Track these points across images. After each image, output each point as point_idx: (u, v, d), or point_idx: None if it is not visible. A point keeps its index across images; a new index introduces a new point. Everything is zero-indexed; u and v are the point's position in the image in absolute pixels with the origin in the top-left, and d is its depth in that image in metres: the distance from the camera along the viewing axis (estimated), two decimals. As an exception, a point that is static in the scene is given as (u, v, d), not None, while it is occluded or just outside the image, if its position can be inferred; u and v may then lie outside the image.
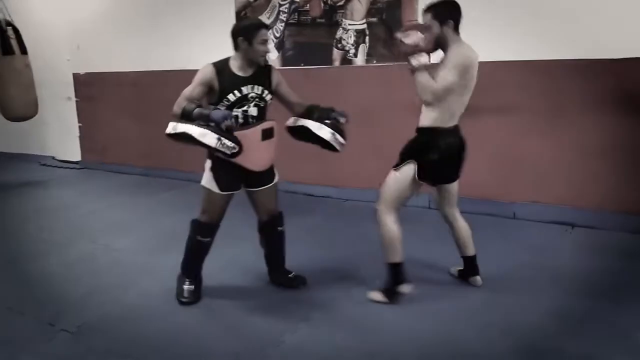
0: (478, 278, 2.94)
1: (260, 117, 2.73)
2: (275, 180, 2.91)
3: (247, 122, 2.68)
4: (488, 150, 4.20)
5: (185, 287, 2.86)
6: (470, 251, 2.93)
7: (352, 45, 4.62)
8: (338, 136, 2.69)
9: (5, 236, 4.14)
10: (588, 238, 3.70)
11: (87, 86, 6.66)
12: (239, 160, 2.58)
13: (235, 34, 2.63)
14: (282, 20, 4.93)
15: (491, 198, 4.22)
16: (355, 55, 4.62)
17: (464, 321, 2.57)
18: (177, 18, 5.59)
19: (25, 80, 5.78)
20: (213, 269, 3.13)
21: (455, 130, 2.68)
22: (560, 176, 3.97)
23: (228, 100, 2.62)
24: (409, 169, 2.66)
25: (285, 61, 5.00)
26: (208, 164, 2.75)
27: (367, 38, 4.54)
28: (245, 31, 2.60)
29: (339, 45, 4.68)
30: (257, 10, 5.06)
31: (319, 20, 4.75)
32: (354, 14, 4.56)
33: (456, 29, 2.59)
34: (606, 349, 2.29)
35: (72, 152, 7.00)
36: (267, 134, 2.71)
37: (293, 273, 3.06)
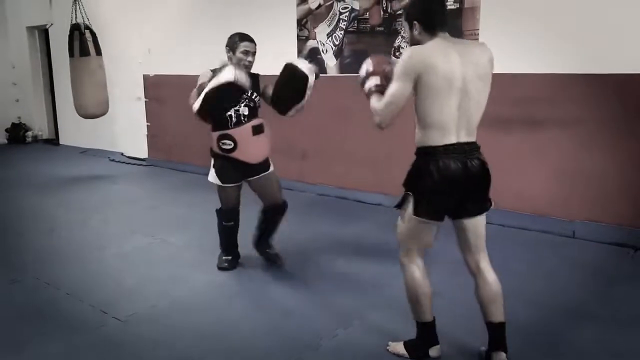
0: (503, 356, 2.16)
1: (251, 115, 3.10)
2: (271, 169, 3.25)
3: (240, 120, 3.06)
4: (548, 165, 4.05)
5: (224, 257, 3.36)
6: (497, 316, 2.18)
7: (411, 53, 4.59)
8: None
9: (72, 226, 4.42)
10: (652, 263, 3.49)
11: (156, 87, 7.00)
12: (236, 154, 3.06)
13: (226, 45, 3.08)
14: (341, 28, 4.98)
15: (549, 214, 4.07)
16: (413, 64, 4.59)
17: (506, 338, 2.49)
18: (240, 26, 5.74)
19: (99, 80, 6.20)
20: (260, 266, 3.23)
21: (453, 149, 2.07)
22: (625, 195, 3.76)
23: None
24: (409, 206, 2.16)
25: (342, 68, 5.05)
26: (212, 162, 3.20)
27: (425, 47, 4.50)
28: (231, 42, 3.06)
29: (397, 54, 4.67)
30: (318, 18, 5.14)
31: (378, 28, 4.76)
32: (413, 23, 4.53)
33: (428, 28, 2.09)
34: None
35: (140, 149, 7.37)
36: (258, 130, 3.10)
37: (275, 250, 3.41)
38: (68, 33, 6.15)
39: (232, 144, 3.04)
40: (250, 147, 3.07)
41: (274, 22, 5.35)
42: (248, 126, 3.06)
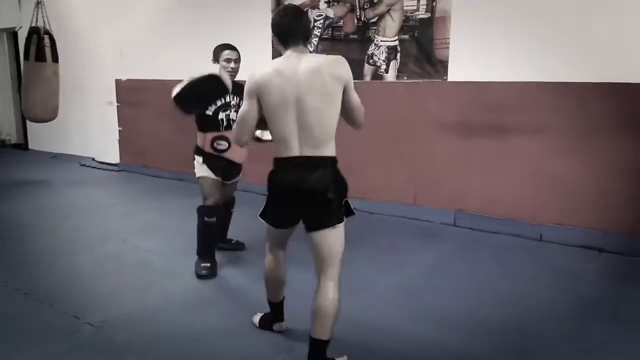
0: None
1: None
2: (241, 174, 3.61)
3: (230, 124, 3.29)
4: (516, 170, 4.17)
5: (202, 264, 3.33)
6: (315, 333, 2.16)
7: (384, 61, 4.67)
8: None
9: (42, 232, 4.33)
10: (615, 264, 3.61)
11: (128, 92, 6.93)
12: (228, 154, 3.34)
13: (212, 57, 3.31)
14: (316, 35, 5.04)
15: (518, 218, 4.18)
16: (386, 71, 4.67)
17: (478, 339, 2.56)
18: (215, 30, 5.77)
19: (51, 87, 6.08)
20: (233, 271, 3.22)
21: (292, 162, 2.12)
22: (589, 199, 3.90)
23: (216, 104, 3.28)
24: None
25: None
26: (199, 159, 3.37)
27: (398, 54, 4.59)
28: (215, 52, 3.31)
29: (371, 61, 4.75)
30: (292, 24, 5.17)
31: (352, 36, 4.83)
32: (386, 31, 4.62)
33: (281, 42, 2.18)
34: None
35: (112, 154, 7.27)
36: None
37: (234, 240, 3.82)
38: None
39: (227, 145, 3.30)
40: (239, 148, 3.15)
41: (249, 28, 5.37)
42: None
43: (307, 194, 2.10)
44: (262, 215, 2.29)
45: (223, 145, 3.32)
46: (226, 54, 3.27)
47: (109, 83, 7.07)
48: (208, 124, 3.33)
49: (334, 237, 2.13)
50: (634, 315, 2.83)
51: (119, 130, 7.14)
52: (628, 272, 3.48)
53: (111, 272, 3.44)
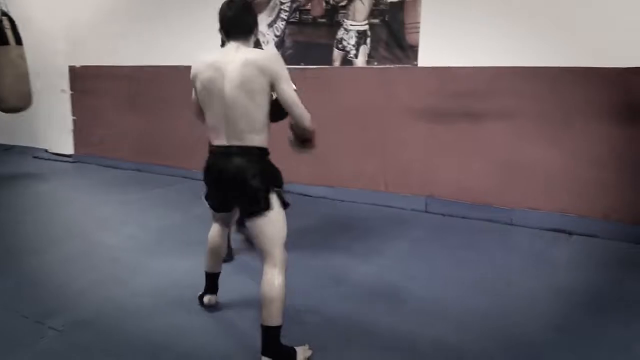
0: None
1: None
2: None
3: None
4: (488, 155, 4.18)
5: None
6: (262, 319, 2.17)
7: (353, 46, 4.57)
8: None
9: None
10: (587, 247, 3.67)
11: (83, 79, 6.59)
12: None
13: None
14: (282, 19, 4.88)
15: (489, 203, 4.20)
16: (356, 56, 4.58)
17: (455, 328, 2.53)
18: (176, 14, 5.53)
19: (20, 71, 5.72)
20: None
21: (220, 150, 2.23)
22: (561, 183, 3.95)
23: None
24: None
25: (284, 60, 4.92)
26: None
27: (368, 39, 4.50)
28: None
29: (340, 46, 4.64)
30: (258, 8, 4.99)
31: (320, 19, 4.70)
32: (355, 15, 4.51)
33: (225, 34, 2.28)
34: (605, 362, 2.26)
35: (66, 145, 6.93)
36: None
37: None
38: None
39: None
40: None
41: (211, 12, 5.15)
42: None
43: (231, 181, 2.19)
44: (206, 199, 2.44)
45: None
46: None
47: (62, 70, 6.70)
48: None
49: (266, 224, 2.18)
50: (609, 299, 2.86)
51: (73, 120, 6.80)
52: (600, 254, 3.54)
53: (74, 272, 3.23)
